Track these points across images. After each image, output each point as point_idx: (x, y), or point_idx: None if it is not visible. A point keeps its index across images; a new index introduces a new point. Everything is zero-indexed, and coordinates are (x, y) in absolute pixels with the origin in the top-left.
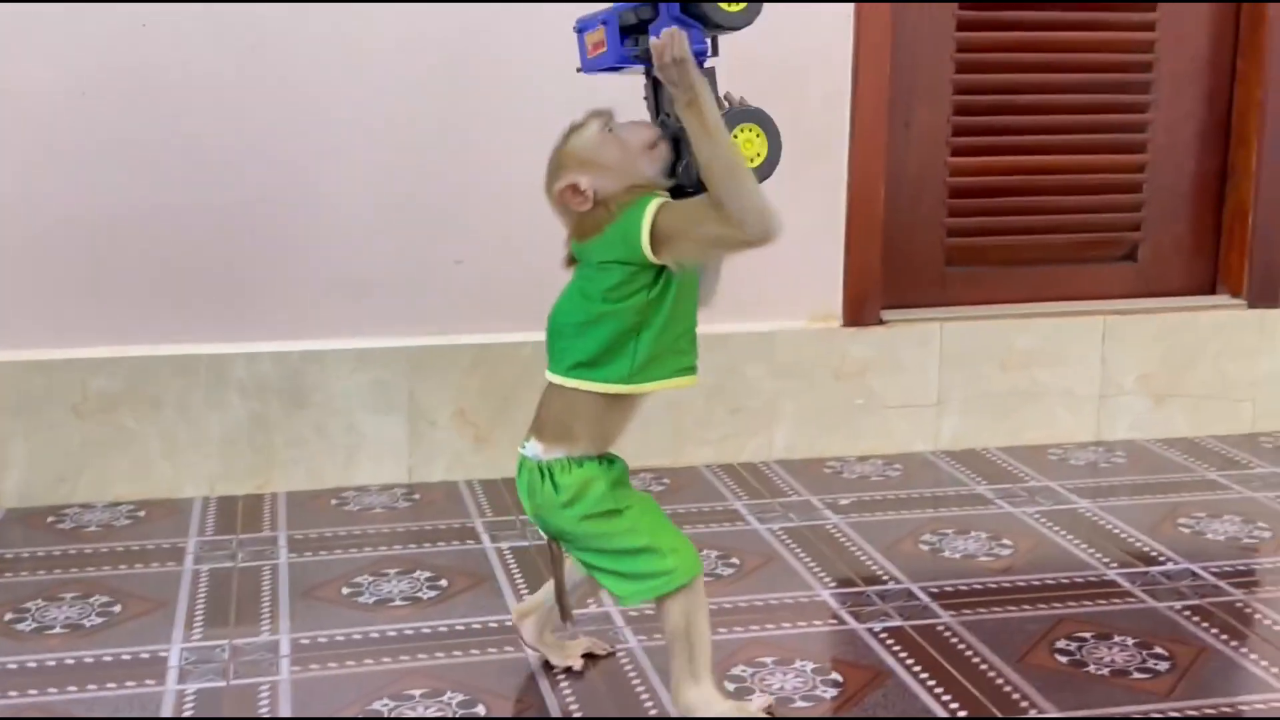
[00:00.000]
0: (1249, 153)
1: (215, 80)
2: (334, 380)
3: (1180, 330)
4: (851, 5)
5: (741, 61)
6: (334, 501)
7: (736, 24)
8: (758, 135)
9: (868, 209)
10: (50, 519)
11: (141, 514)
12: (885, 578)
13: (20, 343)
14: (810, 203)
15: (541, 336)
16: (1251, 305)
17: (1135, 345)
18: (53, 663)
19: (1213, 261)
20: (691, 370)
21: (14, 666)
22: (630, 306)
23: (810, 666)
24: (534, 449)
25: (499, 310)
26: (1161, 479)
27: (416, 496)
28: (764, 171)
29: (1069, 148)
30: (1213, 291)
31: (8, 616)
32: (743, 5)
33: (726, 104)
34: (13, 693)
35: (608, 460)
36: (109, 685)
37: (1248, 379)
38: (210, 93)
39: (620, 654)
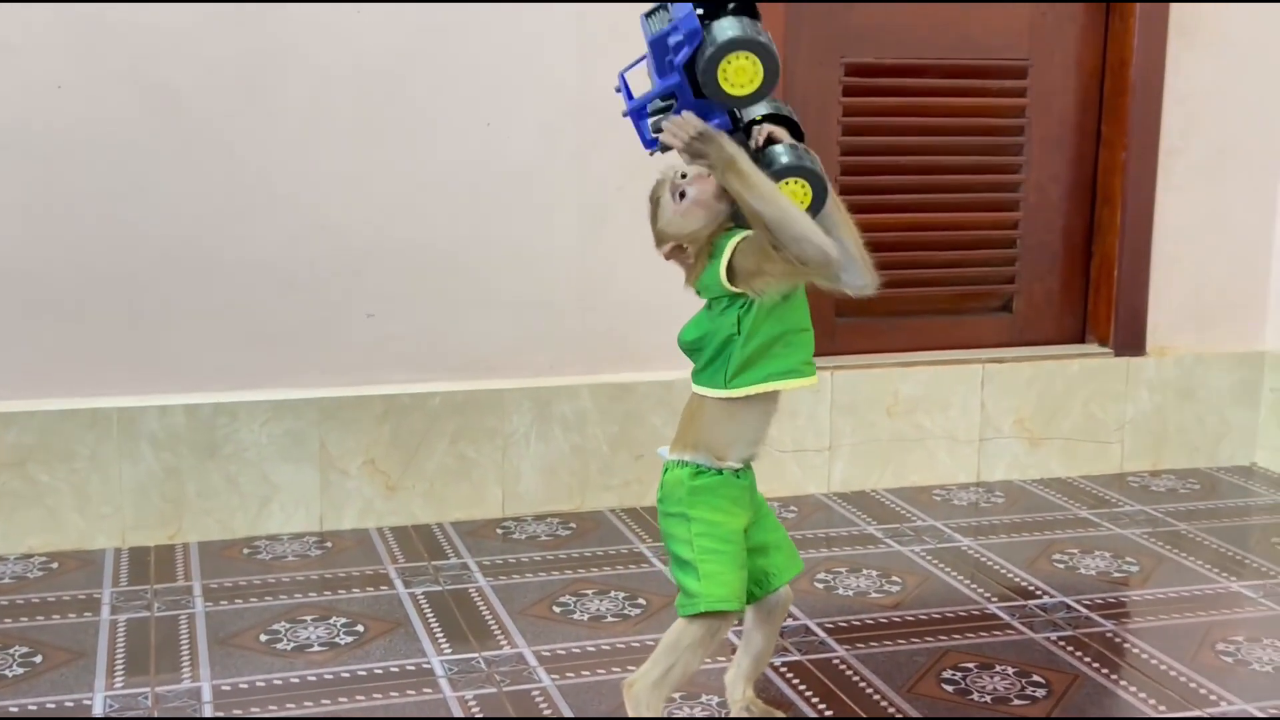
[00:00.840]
0: (1114, 211)
1: (129, 140)
2: (245, 431)
3: (1053, 377)
4: None
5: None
6: (246, 551)
7: (746, 103)
8: (801, 186)
9: None
10: None
11: (54, 565)
12: None
13: None
14: None
15: (449, 386)
16: (1118, 353)
17: (1011, 391)
18: None
19: (1081, 312)
20: (795, 373)
21: None
22: (728, 321)
23: (715, 700)
24: (665, 450)
25: (409, 361)
26: (1037, 517)
27: (328, 544)
28: (810, 215)
29: (948, 206)
30: (1082, 340)
31: None
32: (750, 86)
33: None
34: None
35: (714, 472)
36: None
37: (1115, 422)
38: (123, 152)
39: (535, 694)
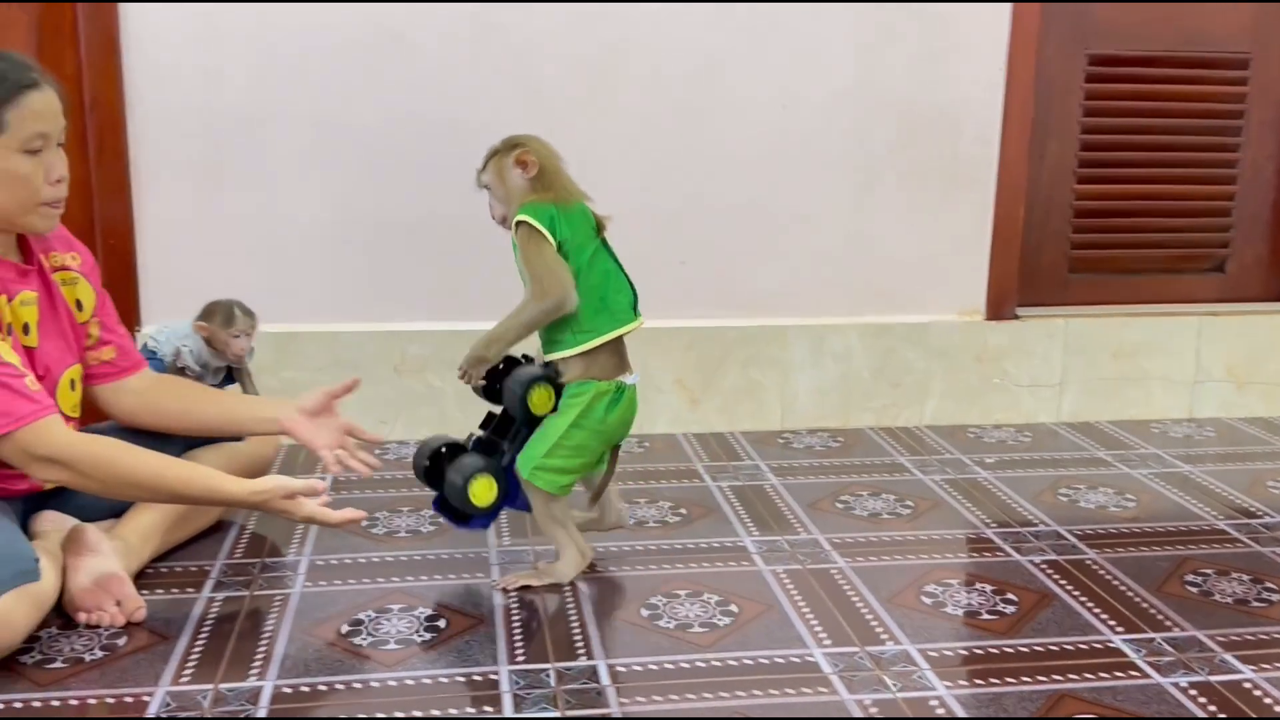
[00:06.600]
0: None
1: (506, 123)
2: None
3: (1260, 330)
4: (1004, 61)
5: (899, 106)
6: None
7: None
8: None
9: (1009, 226)
10: (377, 451)
11: None
12: (1035, 521)
13: (355, 318)
14: (962, 220)
15: (742, 322)
16: None
17: (1223, 341)
18: (405, 558)
19: None
20: None
21: (377, 560)
22: None
23: (990, 588)
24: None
25: (711, 301)
26: (1246, 450)
27: (646, 444)
28: None
29: (1172, 179)
30: None
31: (364, 524)
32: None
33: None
34: (380, 579)
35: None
36: (459, 576)
37: None
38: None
39: (833, 572)
